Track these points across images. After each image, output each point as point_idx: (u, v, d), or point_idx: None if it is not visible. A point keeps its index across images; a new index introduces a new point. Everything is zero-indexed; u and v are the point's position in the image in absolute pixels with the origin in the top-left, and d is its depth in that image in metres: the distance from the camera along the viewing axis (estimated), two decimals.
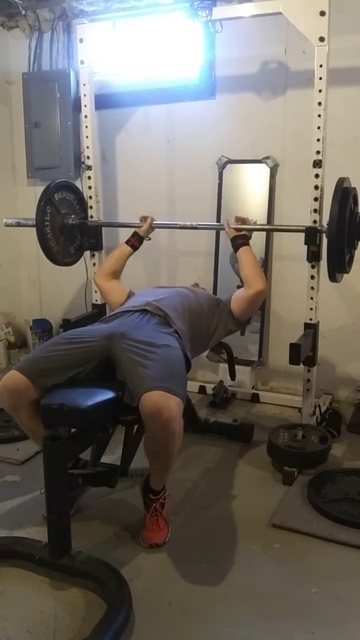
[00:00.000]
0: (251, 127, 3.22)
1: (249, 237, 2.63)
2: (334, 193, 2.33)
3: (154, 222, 2.85)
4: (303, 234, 2.58)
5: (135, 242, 2.83)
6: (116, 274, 2.80)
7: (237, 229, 2.61)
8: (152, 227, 2.85)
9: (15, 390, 1.93)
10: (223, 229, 2.68)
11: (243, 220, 2.67)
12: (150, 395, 1.77)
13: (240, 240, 2.59)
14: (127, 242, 2.83)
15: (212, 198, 3.34)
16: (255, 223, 2.74)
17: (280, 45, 3.06)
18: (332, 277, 2.45)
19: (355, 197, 2.43)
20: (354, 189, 2.43)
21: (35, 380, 1.93)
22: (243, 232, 2.61)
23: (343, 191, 2.32)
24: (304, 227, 2.58)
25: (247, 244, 2.59)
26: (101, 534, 2.06)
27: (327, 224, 2.38)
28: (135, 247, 2.83)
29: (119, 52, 3.44)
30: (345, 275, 2.55)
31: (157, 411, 1.75)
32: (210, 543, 2.02)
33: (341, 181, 2.35)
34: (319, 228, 2.55)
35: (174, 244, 3.52)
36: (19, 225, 3.08)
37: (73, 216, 3.05)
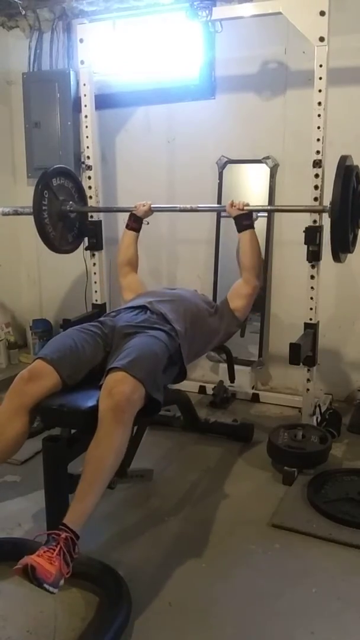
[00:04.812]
0: (251, 127, 3.22)
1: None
2: (336, 170, 2.29)
3: (154, 206, 2.82)
4: (303, 235, 2.56)
5: (132, 223, 2.83)
6: (132, 262, 2.81)
7: (240, 208, 2.55)
8: (151, 210, 2.82)
9: (38, 375, 1.89)
10: (224, 210, 2.65)
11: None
12: (110, 377, 1.79)
13: (246, 220, 2.51)
14: (127, 227, 2.84)
15: (212, 198, 3.34)
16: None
17: (280, 45, 3.06)
18: (336, 257, 2.41)
19: (358, 175, 2.39)
20: (357, 166, 2.40)
21: (57, 366, 1.91)
22: (246, 212, 2.53)
23: (346, 169, 2.29)
24: (307, 207, 2.54)
25: (253, 226, 2.52)
26: (101, 534, 2.06)
27: (330, 203, 2.35)
28: (135, 230, 2.83)
29: (119, 52, 3.43)
30: (345, 274, 2.55)
31: (110, 392, 1.75)
32: (210, 543, 2.02)
33: (344, 159, 2.32)
34: (322, 208, 2.51)
35: (174, 236, 3.51)
36: (16, 213, 3.04)
37: (71, 203, 2.99)
